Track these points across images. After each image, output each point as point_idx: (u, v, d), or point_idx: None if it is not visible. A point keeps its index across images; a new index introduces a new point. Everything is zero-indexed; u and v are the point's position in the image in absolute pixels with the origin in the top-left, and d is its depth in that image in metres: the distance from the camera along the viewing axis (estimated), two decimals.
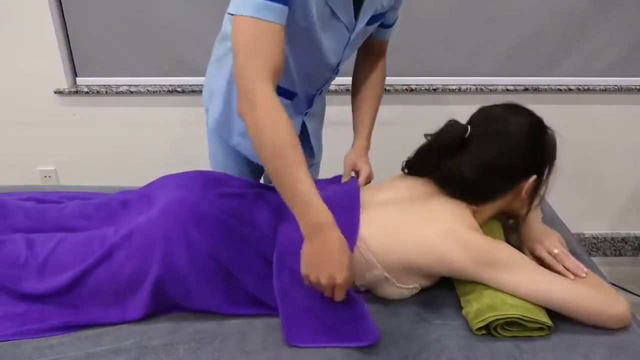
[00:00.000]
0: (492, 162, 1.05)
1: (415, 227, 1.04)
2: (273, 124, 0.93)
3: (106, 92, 1.96)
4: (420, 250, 1.02)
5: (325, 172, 2.14)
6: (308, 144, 1.43)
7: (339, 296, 0.95)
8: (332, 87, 1.97)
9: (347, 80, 1.97)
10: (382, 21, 1.25)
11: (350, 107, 2.03)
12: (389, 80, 1.97)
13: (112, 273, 1.01)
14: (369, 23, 1.17)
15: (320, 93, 1.33)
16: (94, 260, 1.01)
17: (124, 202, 1.19)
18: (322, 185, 1.08)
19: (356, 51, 1.35)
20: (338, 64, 1.24)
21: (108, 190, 1.35)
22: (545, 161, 1.09)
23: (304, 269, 0.95)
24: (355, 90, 1.40)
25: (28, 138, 2.07)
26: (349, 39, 1.17)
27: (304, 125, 1.39)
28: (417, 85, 1.99)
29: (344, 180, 1.29)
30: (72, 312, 1.02)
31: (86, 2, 1.82)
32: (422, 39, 1.91)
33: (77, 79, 1.98)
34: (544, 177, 1.09)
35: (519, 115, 1.09)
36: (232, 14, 0.96)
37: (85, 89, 1.96)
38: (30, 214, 1.14)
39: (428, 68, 1.98)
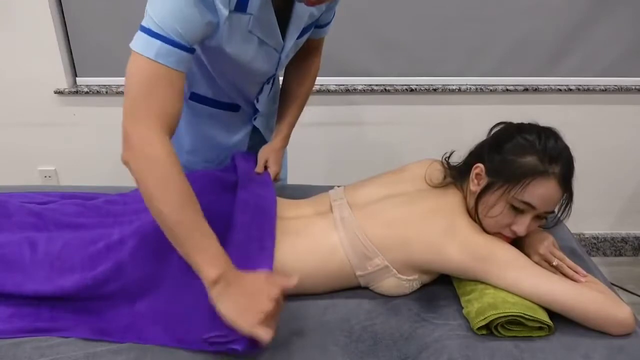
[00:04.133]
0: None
1: (416, 223, 1.06)
2: (171, 177, 0.88)
3: (106, 92, 1.96)
4: (420, 246, 1.04)
5: (324, 173, 2.14)
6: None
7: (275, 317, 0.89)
8: (331, 87, 1.97)
9: (346, 81, 1.99)
10: (316, 24, 1.22)
11: (352, 107, 2.05)
12: (389, 80, 1.99)
13: (124, 281, 1.01)
14: (299, 37, 1.15)
15: (258, 101, 1.31)
16: (104, 270, 1.00)
17: (125, 202, 1.19)
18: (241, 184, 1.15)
19: None
20: (269, 79, 1.24)
21: (108, 190, 1.35)
22: (490, 153, 1.08)
23: (242, 327, 0.85)
24: (284, 88, 1.39)
25: (28, 138, 2.07)
26: (280, 58, 1.16)
27: (256, 130, 1.38)
28: (417, 85, 1.99)
29: (257, 170, 1.28)
30: (84, 315, 1.01)
31: (86, 2, 1.82)
32: (422, 39, 1.91)
33: (77, 79, 1.98)
34: (497, 178, 1.05)
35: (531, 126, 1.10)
36: (133, 50, 0.90)
37: (85, 89, 1.96)
38: (31, 214, 1.14)
39: (428, 68, 1.97)
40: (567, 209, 1.07)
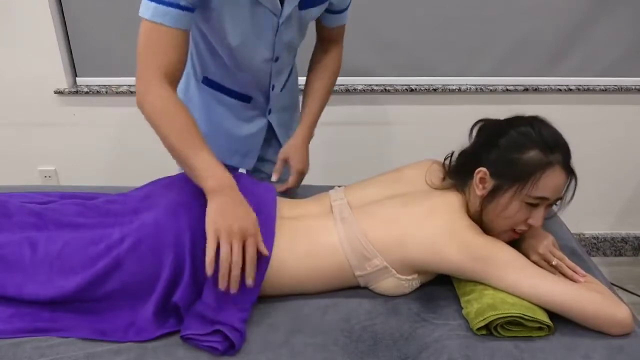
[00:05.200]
0: (466, 148, 1.15)
1: (415, 224, 1.06)
2: (168, 111, 1.02)
3: (106, 92, 1.96)
4: (419, 247, 1.04)
5: (324, 173, 2.14)
6: (277, 142, 1.43)
7: (251, 250, 0.94)
8: None
9: (345, 81, 1.98)
10: (328, 7, 1.22)
11: (352, 107, 2.05)
12: (389, 80, 1.99)
13: (123, 279, 1.01)
14: (302, 7, 1.15)
15: (273, 89, 1.31)
16: (104, 266, 1.00)
17: (124, 202, 1.18)
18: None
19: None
20: (274, 54, 1.22)
21: (108, 190, 1.35)
22: (490, 155, 1.07)
23: (211, 225, 0.94)
24: (305, 84, 1.40)
25: (28, 138, 2.07)
26: (278, 24, 1.15)
27: (270, 127, 1.39)
28: (417, 85, 1.99)
29: (274, 175, 1.32)
30: (84, 315, 1.01)
31: (86, 2, 1.82)
32: (422, 39, 1.91)
33: (77, 79, 1.98)
34: (505, 180, 1.04)
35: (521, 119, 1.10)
36: (139, 15, 1.03)
37: (85, 89, 1.96)
38: (31, 213, 1.13)
39: (428, 68, 1.98)
40: (572, 193, 1.07)
